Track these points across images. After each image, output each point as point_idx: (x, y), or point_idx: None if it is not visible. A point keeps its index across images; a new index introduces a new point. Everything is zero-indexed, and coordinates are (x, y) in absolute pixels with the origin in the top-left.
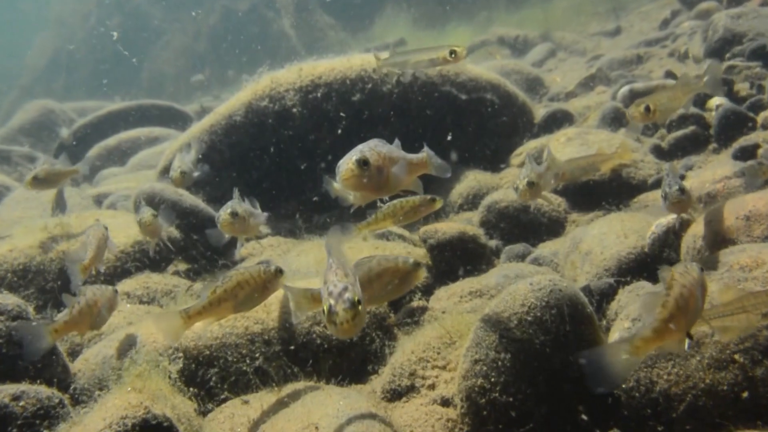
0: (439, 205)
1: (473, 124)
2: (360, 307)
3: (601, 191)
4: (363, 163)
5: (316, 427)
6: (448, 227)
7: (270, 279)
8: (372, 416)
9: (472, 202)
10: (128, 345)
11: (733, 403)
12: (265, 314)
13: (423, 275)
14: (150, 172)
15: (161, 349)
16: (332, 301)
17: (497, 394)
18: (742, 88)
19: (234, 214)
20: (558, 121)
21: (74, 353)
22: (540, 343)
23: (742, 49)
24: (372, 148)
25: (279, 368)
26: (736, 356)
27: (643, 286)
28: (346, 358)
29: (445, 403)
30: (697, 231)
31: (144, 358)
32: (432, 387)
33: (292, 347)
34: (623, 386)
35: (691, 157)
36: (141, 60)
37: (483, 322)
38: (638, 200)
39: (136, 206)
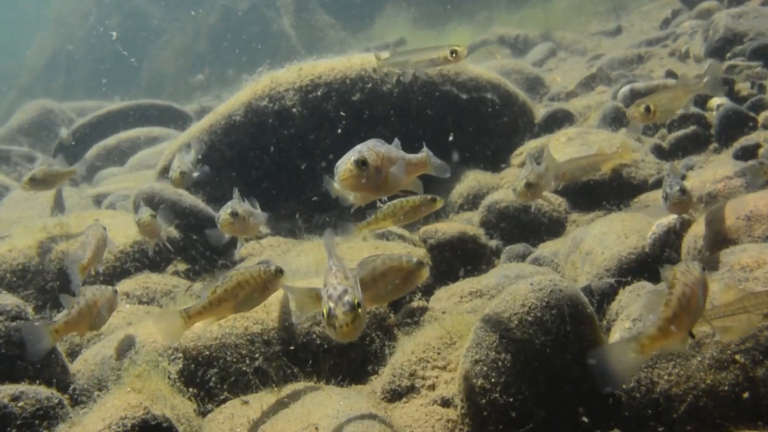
0: (439, 205)
1: (473, 124)
2: (360, 310)
3: (602, 191)
4: (361, 163)
5: (316, 428)
6: (448, 227)
7: (270, 279)
8: (372, 417)
9: (472, 202)
10: (127, 346)
11: (734, 404)
12: (265, 314)
13: (426, 274)
14: (149, 172)
15: (161, 350)
16: (332, 304)
17: (497, 395)
18: (743, 87)
19: (234, 214)
20: (558, 120)
21: (73, 354)
22: (540, 343)
23: (743, 49)
24: (371, 148)
25: (279, 368)
26: (737, 356)
27: (643, 287)
28: (346, 358)
29: (446, 403)
30: (698, 231)
31: (143, 359)
32: (432, 387)
33: (292, 347)
34: (624, 386)
35: (691, 156)
36: (140, 60)
37: (483, 323)
38: (639, 200)
39: (135, 206)
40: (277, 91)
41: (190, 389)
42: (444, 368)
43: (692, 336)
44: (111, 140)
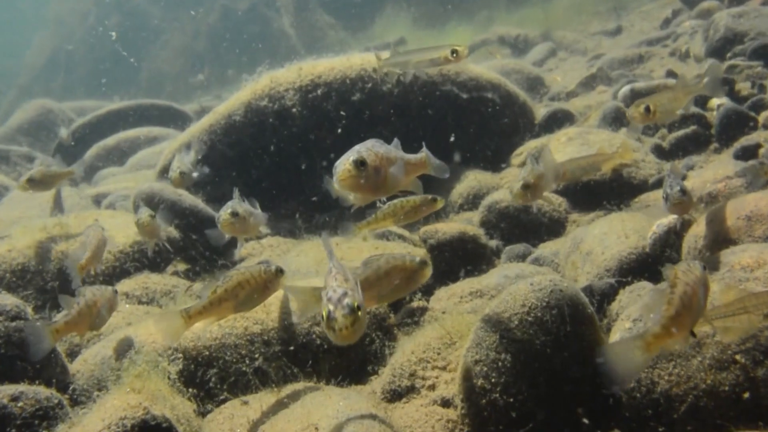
0: (440, 205)
1: (474, 124)
2: (360, 313)
3: (602, 191)
4: (360, 163)
5: (316, 428)
6: (448, 227)
7: (270, 279)
8: (372, 417)
9: (472, 202)
10: (125, 347)
11: (735, 404)
12: (265, 315)
13: (430, 273)
14: (149, 172)
15: (160, 350)
16: (331, 307)
17: (498, 395)
18: (744, 87)
19: (234, 214)
20: (559, 120)
21: (73, 354)
22: (540, 343)
23: (744, 49)
24: (369, 149)
25: (278, 369)
26: (738, 357)
27: (644, 287)
28: (346, 358)
29: (446, 403)
30: (698, 231)
31: (143, 359)
32: (432, 388)
33: (292, 348)
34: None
35: (692, 156)
36: (140, 59)
37: (483, 323)
38: (639, 200)
39: (135, 206)
40: (276, 91)
41: (190, 389)
42: (444, 368)
43: (694, 335)
44: (111, 140)
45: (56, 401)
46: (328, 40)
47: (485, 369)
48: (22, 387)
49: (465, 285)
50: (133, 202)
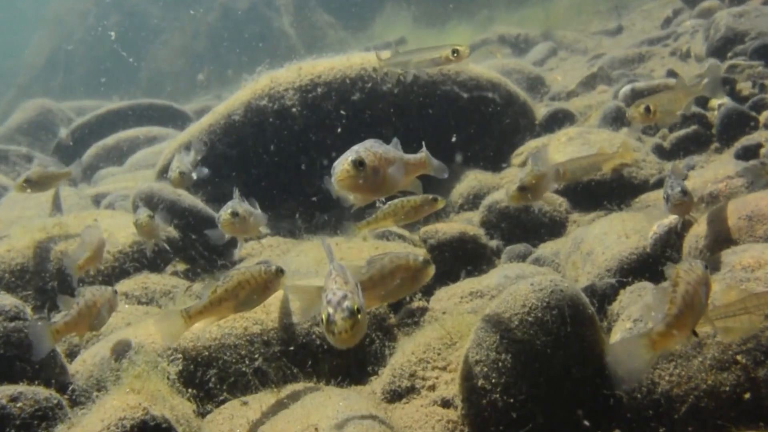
0: (441, 205)
1: (474, 124)
2: (359, 316)
3: (603, 191)
4: (358, 163)
5: (316, 429)
6: (448, 227)
7: (271, 279)
8: (372, 417)
9: (472, 202)
10: (124, 348)
11: (735, 405)
12: (264, 315)
13: (432, 272)
14: (148, 172)
15: (160, 350)
16: (331, 310)
17: (498, 396)
18: (744, 87)
19: (234, 214)
20: (559, 120)
21: (72, 354)
22: (541, 344)
23: (744, 48)
24: (368, 149)
25: (278, 369)
26: (739, 357)
27: (644, 287)
28: (346, 359)
29: (446, 404)
30: (699, 231)
31: (143, 359)
32: (432, 388)
33: (292, 348)
34: (623, 387)
35: (693, 156)
36: (139, 59)
37: (484, 323)
38: (640, 200)
39: (134, 206)
40: (276, 91)
41: (190, 390)
42: (444, 369)
43: (696, 335)
44: (110, 140)
45: (55, 402)
46: (328, 40)
47: (485, 369)
48: (21, 387)
49: (465, 285)
50: (132, 202)
